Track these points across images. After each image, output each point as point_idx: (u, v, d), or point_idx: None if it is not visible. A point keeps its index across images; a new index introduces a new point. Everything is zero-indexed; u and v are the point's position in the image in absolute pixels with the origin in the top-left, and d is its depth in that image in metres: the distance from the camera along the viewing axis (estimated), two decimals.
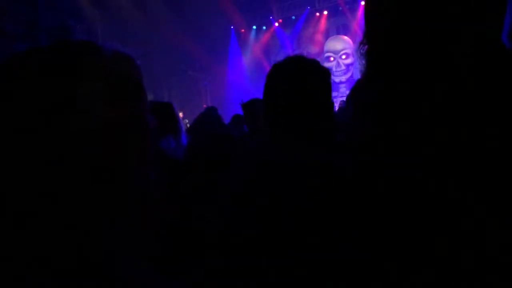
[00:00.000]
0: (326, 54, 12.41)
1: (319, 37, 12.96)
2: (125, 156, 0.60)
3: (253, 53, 13.74)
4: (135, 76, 0.66)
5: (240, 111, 3.31)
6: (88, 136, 0.55)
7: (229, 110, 6.58)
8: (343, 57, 12.13)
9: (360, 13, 11.69)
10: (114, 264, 0.57)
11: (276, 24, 13.52)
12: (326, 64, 12.59)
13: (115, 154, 0.58)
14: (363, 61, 0.79)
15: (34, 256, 0.52)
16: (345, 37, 12.27)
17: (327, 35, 12.77)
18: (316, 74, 1.31)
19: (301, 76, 1.28)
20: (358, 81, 2.07)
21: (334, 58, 12.19)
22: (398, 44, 0.73)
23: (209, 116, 3.51)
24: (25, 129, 0.52)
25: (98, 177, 0.56)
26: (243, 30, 14.15)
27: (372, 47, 0.79)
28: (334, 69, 11.96)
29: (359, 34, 0.89)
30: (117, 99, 0.59)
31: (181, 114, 6.21)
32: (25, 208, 0.52)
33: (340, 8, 12.39)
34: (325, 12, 12.73)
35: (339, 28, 12.70)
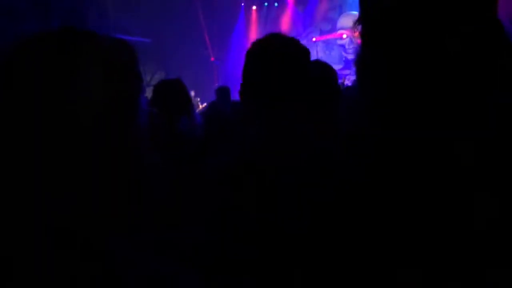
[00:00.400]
0: (339, 31, 12.23)
1: (332, 14, 12.75)
2: (117, 131, 0.62)
3: (265, 31, 13.57)
4: (130, 62, 0.71)
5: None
6: (85, 111, 0.58)
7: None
8: (357, 34, 11.93)
9: None
10: (103, 240, 0.59)
11: (289, 1, 13.32)
12: (339, 42, 12.47)
13: (107, 128, 0.61)
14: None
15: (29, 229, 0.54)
16: None
17: (340, 12, 12.56)
18: (291, 54, 1.28)
19: (275, 56, 1.26)
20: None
21: (347, 35, 12.01)
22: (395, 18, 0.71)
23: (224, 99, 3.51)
24: (29, 104, 0.56)
25: (90, 146, 0.59)
26: (254, 7, 13.98)
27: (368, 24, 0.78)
28: (346, 46, 11.80)
29: None
30: (111, 80, 0.62)
31: (192, 93, 6.21)
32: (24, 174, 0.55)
33: None
34: None
35: (352, 5, 12.48)
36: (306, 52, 1.32)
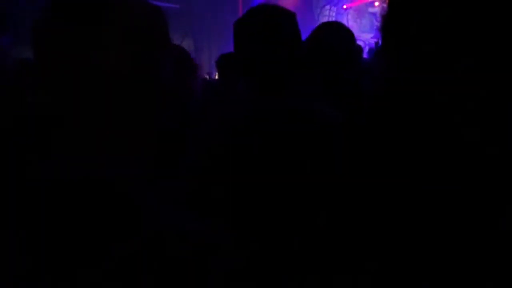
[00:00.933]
0: None
1: None
2: (140, 96, 0.63)
3: None
4: (159, 27, 0.68)
5: None
6: (108, 72, 0.59)
7: None
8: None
9: None
10: (138, 194, 0.59)
11: None
12: (371, 10, 12.09)
13: (129, 92, 0.62)
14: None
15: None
16: None
17: None
18: (273, 27, 1.25)
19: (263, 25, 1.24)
20: None
21: (379, 3, 11.65)
22: None
23: None
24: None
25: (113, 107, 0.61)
26: None
27: None
28: (379, 14, 11.45)
29: None
30: (135, 44, 0.62)
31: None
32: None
33: None
34: None
35: None
36: (291, 17, 1.29)
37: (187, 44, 10.66)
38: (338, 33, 1.87)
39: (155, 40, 0.66)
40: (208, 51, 12.14)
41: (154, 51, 0.66)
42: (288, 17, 1.29)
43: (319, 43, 1.77)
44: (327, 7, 11.98)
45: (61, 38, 0.58)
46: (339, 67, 1.77)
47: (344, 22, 9.10)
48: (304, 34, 1.38)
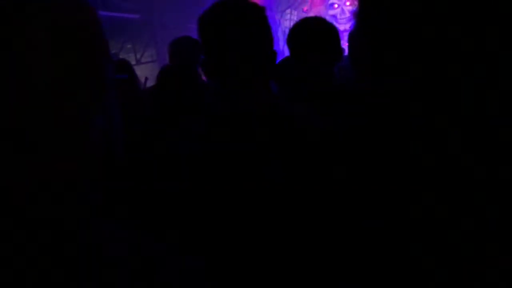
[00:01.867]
0: (330, 1, 12.05)
1: None
2: (77, 108, 0.57)
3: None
4: (91, 27, 0.61)
5: None
6: (29, 90, 0.52)
7: None
8: (347, 3, 11.79)
9: None
10: (87, 229, 0.56)
11: None
12: (331, 12, 12.30)
13: (63, 107, 0.55)
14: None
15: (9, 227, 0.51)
16: None
17: None
18: (244, 21, 1.20)
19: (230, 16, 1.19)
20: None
21: (339, 5, 11.85)
22: None
23: None
24: None
25: (44, 136, 0.54)
26: None
27: None
28: (338, 16, 11.65)
29: None
30: (64, 50, 0.55)
31: None
32: None
33: None
34: None
35: None
36: (260, 11, 1.22)
37: (150, 54, 10.52)
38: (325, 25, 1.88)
39: (90, 44, 0.59)
40: None
41: (92, 58, 0.59)
42: (258, 11, 1.23)
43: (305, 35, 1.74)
44: (288, 10, 12.11)
45: None
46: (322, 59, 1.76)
47: None
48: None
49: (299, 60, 1.95)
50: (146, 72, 5.20)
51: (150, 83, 4.44)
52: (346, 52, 2.35)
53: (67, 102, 0.55)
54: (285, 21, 12.29)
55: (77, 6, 0.59)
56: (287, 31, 13.58)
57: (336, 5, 11.93)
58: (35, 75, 0.52)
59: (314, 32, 1.84)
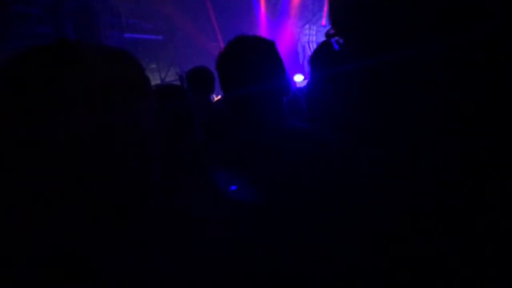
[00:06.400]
0: None
1: None
2: (117, 159, 0.58)
3: (274, 21, 13.50)
4: (130, 74, 0.62)
5: None
6: (71, 142, 0.54)
7: None
8: None
9: None
10: (99, 258, 0.57)
11: None
12: None
13: (106, 157, 0.57)
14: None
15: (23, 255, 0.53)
16: None
17: None
18: (258, 50, 1.29)
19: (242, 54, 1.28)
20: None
21: None
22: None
23: None
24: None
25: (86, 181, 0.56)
26: None
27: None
28: None
29: None
30: (105, 102, 0.56)
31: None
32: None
33: None
34: None
35: None
36: (271, 46, 1.33)
37: (173, 73, 10.76)
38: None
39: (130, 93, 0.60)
40: None
41: (133, 104, 0.60)
42: (270, 45, 1.32)
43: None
44: (307, 26, 12.20)
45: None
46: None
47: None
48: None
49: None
50: None
51: None
52: None
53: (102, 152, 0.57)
54: (304, 36, 12.38)
55: (115, 58, 0.61)
56: (306, 45, 13.39)
57: None
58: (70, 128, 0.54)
59: None
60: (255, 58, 1.28)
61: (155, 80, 11.23)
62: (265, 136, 1.22)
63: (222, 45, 13.63)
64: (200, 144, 1.86)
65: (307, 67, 2.40)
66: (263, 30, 13.57)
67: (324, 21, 12.52)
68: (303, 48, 12.43)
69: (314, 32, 12.14)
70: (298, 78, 9.09)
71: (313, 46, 11.76)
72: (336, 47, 0.80)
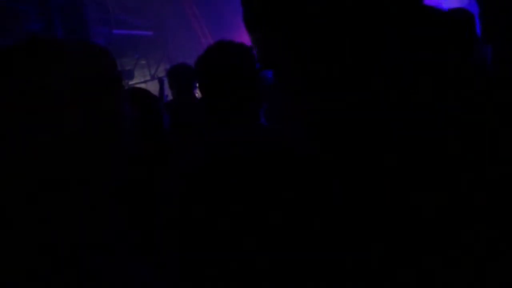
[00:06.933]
0: None
1: None
2: (99, 152, 0.59)
3: None
4: (107, 70, 0.63)
5: None
6: (59, 141, 0.54)
7: None
8: None
9: None
10: (85, 255, 0.56)
11: None
12: None
13: (88, 154, 0.57)
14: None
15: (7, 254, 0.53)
16: None
17: None
18: (236, 57, 1.33)
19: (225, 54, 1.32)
20: None
21: None
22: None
23: None
24: None
25: (67, 182, 0.56)
26: None
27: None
28: None
29: None
30: (85, 98, 0.57)
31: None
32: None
33: None
34: None
35: None
36: (252, 58, 1.36)
37: (163, 69, 10.73)
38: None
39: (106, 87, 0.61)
40: None
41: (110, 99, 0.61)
42: (247, 52, 1.36)
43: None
44: None
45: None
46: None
47: None
48: None
49: None
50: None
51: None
52: None
53: (91, 143, 0.58)
54: None
55: (92, 52, 0.62)
56: None
57: None
58: (62, 123, 0.54)
59: None
60: (233, 66, 1.32)
61: (145, 76, 11.17)
62: (240, 146, 1.22)
63: (211, 41, 13.69)
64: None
65: None
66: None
67: None
68: None
69: None
70: None
71: None
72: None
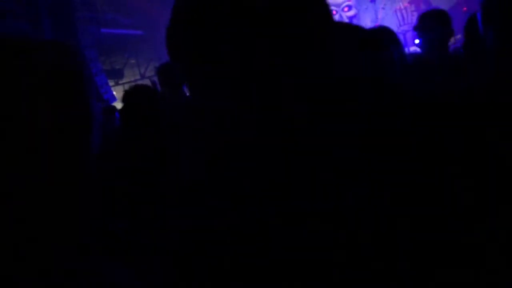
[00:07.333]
0: None
1: None
2: (70, 148, 0.59)
3: None
4: (73, 67, 0.63)
5: None
6: (29, 139, 0.54)
7: None
8: (345, 9, 11.87)
9: None
10: (59, 256, 0.57)
11: None
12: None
13: (60, 151, 0.57)
14: None
15: None
16: None
17: None
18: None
19: None
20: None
21: (337, 12, 11.94)
22: None
23: None
24: None
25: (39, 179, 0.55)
26: None
27: None
28: None
29: None
30: (53, 97, 0.57)
31: None
32: None
33: None
34: None
35: None
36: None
37: (153, 68, 10.67)
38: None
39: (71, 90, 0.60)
40: None
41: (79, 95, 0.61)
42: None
43: None
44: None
45: None
46: None
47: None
48: None
49: None
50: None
51: None
52: None
53: (61, 136, 0.58)
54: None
55: (62, 50, 0.62)
56: None
57: (334, 12, 12.01)
58: (37, 116, 0.54)
59: None
60: None
61: (135, 75, 11.11)
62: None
63: None
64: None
65: None
66: None
67: None
68: None
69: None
70: None
71: None
72: None
